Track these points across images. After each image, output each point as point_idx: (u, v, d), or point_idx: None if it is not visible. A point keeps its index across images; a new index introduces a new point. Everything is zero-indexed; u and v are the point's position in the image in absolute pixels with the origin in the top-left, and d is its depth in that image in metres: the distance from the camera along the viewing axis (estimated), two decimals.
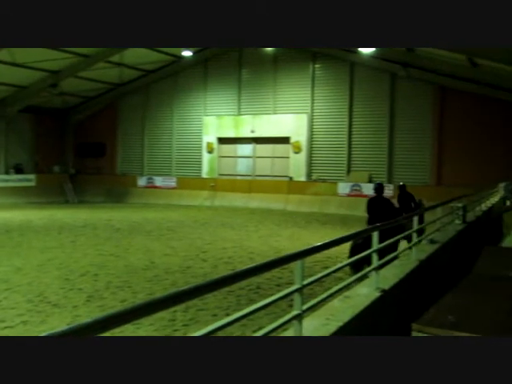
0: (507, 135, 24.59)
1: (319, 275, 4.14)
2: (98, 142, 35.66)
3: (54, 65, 28.66)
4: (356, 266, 7.11)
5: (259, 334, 3.43)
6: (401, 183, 13.42)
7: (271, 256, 13.68)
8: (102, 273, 11.95)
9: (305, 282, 3.81)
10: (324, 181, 28.34)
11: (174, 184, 32.46)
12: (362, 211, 21.43)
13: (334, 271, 4.32)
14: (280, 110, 29.89)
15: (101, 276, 11.62)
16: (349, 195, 26.82)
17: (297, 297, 3.79)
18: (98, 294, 10.03)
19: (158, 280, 11.29)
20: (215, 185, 31.00)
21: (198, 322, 8.36)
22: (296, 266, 3.83)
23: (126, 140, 35.13)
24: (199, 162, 32.38)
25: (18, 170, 33.33)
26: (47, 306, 9.14)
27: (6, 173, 32.54)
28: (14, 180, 32.35)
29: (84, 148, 36.25)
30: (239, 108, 31.12)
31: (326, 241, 4.31)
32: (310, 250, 3.95)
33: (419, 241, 7.06)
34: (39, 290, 10.26)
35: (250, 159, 31.13)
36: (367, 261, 6.46)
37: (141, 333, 7.63)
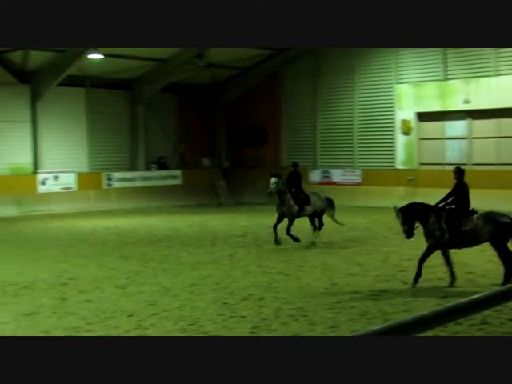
0: None
1: None
2: (258, 126, 36.79)
3: None
4: None
5: None
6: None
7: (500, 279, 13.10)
8: (269, 296, 12.35)
9: None
10: None
11: (357, 178, 32.49)
12: None
13: None
14: (505, 69, 28.49)
15: (267, 301, 12.00)
16: None
17: None
18: (265, 324, 10.37)
19: (341, 308, 11.37)
20: (414, 178, 30.45)
21: None
22: None
23: (292, 122, 35.87)
24: (391, 148, 32.05)
25: (161, 164, 35.57)
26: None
27: (147, 169, 34.99)
28: (157, 177, 34.75)
29: (240, 134, 37.59)
30: (445, 70, 30.25)
31: None
32: None
33: None
34: (193, 316, 10.90)
35: (464, 141, 30.16)
36: None
37: None
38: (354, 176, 32.67)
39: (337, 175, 33.29)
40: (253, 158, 36.88)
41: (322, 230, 19.14)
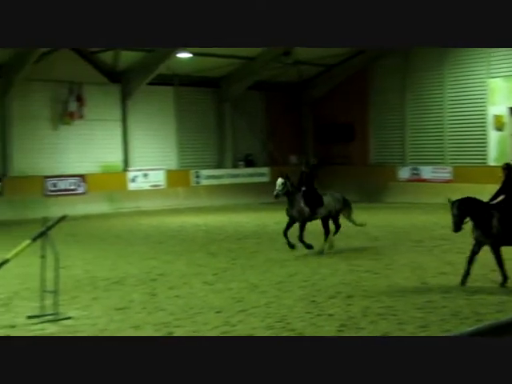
0: None
1: None
2: (345, 122, 36.63)
3: None
4: None
5: None
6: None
7: None
8: (357, 295, 12.27)
9: None
10: None
11: (448, 176, 31.91)
12: None
13: None
14: None
15: (355, 299, 11.93)
16: None
17: None
18: (352, 323, 10.30)
19: (432, 307, 11.18)
20: None
21: None
22: None
23: (380, 119, 35.57)
24: (483, 145, 31.37)
25: (249, 162, 36.02)
26: (291, 335, 9.67)
27: (234, 166, 35.46)
28: (244, 175, 35.18)
29: (327, 131, 37.52)
30: None
31: None
32: None
33: None
34: (280, 313, 10.92)
35: None
36: None
37: None
38: (445, 173, 32.10)
39: (427, 172, 32.79)
40: (340, 154, 36.83)
41: (337, 234, 17.90)
